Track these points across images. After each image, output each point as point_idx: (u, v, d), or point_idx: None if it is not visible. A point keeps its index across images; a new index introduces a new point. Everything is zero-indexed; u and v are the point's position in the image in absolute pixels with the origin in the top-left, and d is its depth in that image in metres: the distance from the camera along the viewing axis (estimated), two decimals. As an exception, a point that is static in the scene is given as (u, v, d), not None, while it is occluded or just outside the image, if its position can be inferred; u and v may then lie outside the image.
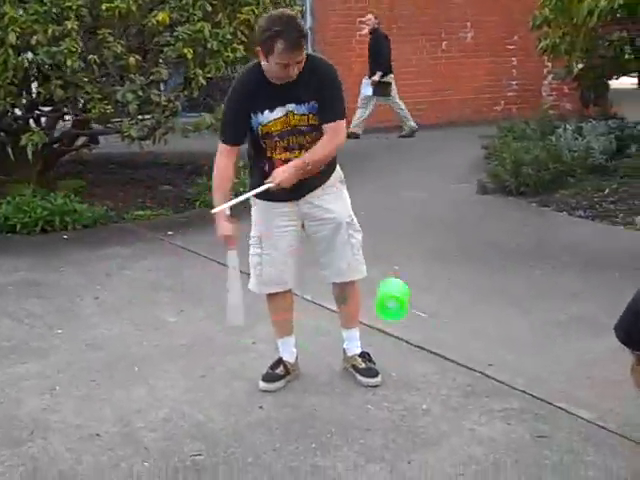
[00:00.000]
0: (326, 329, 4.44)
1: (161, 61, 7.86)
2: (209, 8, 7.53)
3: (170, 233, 7.18)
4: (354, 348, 4.12)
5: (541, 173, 8.19)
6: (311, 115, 3.67)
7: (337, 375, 4.12)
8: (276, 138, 3.67)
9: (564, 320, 4.81)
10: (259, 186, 3.71)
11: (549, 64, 14.34)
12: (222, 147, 3.77)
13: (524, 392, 3.86)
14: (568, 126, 9.44)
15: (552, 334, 4.63)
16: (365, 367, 4.05)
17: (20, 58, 6.90)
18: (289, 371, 4.06)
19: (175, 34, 7.32)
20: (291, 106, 3.64)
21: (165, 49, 7.53)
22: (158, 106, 7.45)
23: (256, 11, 7.89)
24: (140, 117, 7.63)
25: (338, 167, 3.95)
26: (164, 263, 6.30)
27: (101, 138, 9.38)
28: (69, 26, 6.77)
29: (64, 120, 8.73)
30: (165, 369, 4.25)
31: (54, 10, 6.86)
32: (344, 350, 4.15)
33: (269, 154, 3.73)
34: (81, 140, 9.18)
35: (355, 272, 3.98)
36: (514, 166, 8.30)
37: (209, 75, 7.69)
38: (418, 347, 4.45)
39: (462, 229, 7.20)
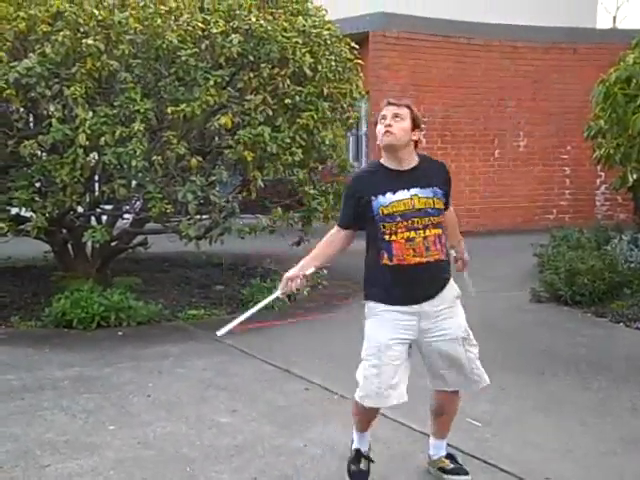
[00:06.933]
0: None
1: (220, 163, 8.04)
2: (270, 113, 7.74)
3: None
4: (440, 452, 4.14)
5: (596, 283, 8.11)
6: (436, 199, 3.84)
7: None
8: (398, 218, 3.76)
9: (625, 435, 4.70)
10: (375, 289, 3.88)
11: (602, 174, 14.40)
12: (335, 228, 4.01)
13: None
14: (624, 237, 9.38)
15: (612, 449, 4.51)
16: (454, 467, 4.07)
17: (88, 158, 7.13)
18: (371, 460, 4.07)
19: (236, 137, 7.50)
20: (415, 190, 3.80)
21: (226, 151, 7.71)
22: (216, 206, 7.61)
23: (315, 116, 8.10)
24: (198, 217, 7.77)
25: (452, 281, 3.97)
26: (217, 363, 6.31)
27: (156, 237, 9.43)
28: (135, 128, 7.00)
29: (123, 218, 8.90)
30: (217, 470, 4.21)
31: (122, 113, 7.11)
32: (429, 455, 4.17)
33: (388, 238, 3.78)
34: (138, 239, 9.34)
35: (479, 382, 4.03)
36: (569, 275, 8.24)
37: (267, 177, 7.84)
38: (472, 456, 4.37)
39: (515, 337, 7.13)
